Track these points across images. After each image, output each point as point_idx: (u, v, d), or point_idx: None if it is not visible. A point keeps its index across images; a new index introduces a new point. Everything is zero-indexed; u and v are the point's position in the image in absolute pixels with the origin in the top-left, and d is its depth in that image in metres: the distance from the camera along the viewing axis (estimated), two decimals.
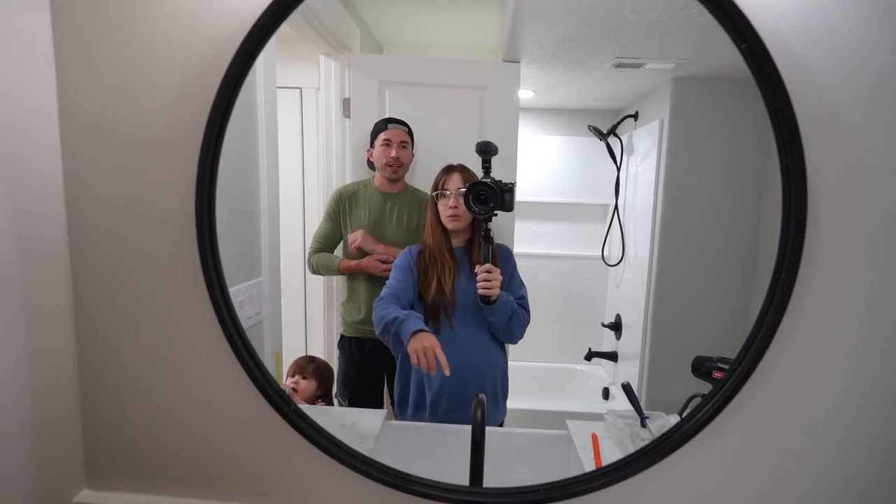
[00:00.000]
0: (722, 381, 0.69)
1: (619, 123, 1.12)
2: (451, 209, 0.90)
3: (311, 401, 0.96)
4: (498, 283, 0.86)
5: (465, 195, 0.84)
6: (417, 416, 0.91)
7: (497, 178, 0.85)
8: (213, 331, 0.75)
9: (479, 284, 0.86)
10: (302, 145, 1.08)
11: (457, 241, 0.93)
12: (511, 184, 0.86)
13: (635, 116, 1.10)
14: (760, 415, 0.71)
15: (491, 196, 0.83)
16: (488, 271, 0.86)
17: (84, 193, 0.79)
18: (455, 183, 0.90)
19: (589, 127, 1.14)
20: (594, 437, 0.79)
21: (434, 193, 0.92)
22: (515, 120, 1.01)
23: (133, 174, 0.77)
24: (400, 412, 0.93)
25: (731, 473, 0.73)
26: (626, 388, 0.83)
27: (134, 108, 0.76)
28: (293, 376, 0.95)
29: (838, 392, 0.71)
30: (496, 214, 0.85)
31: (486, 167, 0.86)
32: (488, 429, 0.71)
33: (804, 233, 0.65)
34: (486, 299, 0.87)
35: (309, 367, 0.97)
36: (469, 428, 0.69)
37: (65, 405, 0.81)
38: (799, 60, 0.66)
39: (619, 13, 0.75)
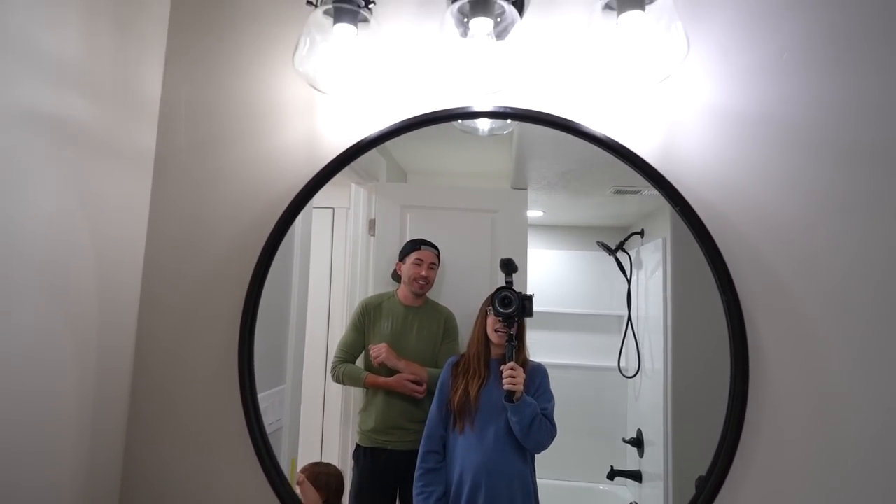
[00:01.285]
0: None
1: (626, 240, 1.19)
2: (498, 325, 1.01)
3: None
4: (521, 381, 0.95)
5: (492, 300, 0.97)
6: None
7: (519, 291, 1.00)
8: (243, 440, 0.82)
9: (504, 381, 0.95)
10: (331, 259, 1.19)
11: (496, 354, 1.02)
12: (530, 294, 1.00)
13: (641, 233, 1.17)
14: None
15: (514, 300, 0.97)
16: (512, 369, 0.94)
17: (155, 312, 0.93)
18: None
19: (597, 243, 1.21)
20: None
21: (487, 309, 1.03)
22: (524, 239, 1.10)
23: (194, 302, 0.90)
24: None
25: None
26: None
27: (200, 252, 0.92)
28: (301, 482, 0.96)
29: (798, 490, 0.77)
30: (517, 320, 0.99)
31: (509, 282, 0.99)
32: None
33: (748, 357, 0.79)
34: (508, 396, 0.94)
35: (322, 477, 0.98)
36: None
37: (108, 485, 0.88)
38: (724, 218, 0.83)
39: (607, 154, 0.85)
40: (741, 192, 0.83)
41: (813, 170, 0.83)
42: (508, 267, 1.00)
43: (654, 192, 1.11)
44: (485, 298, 1.03)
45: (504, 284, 0.99)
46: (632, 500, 0.82)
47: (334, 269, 1.18)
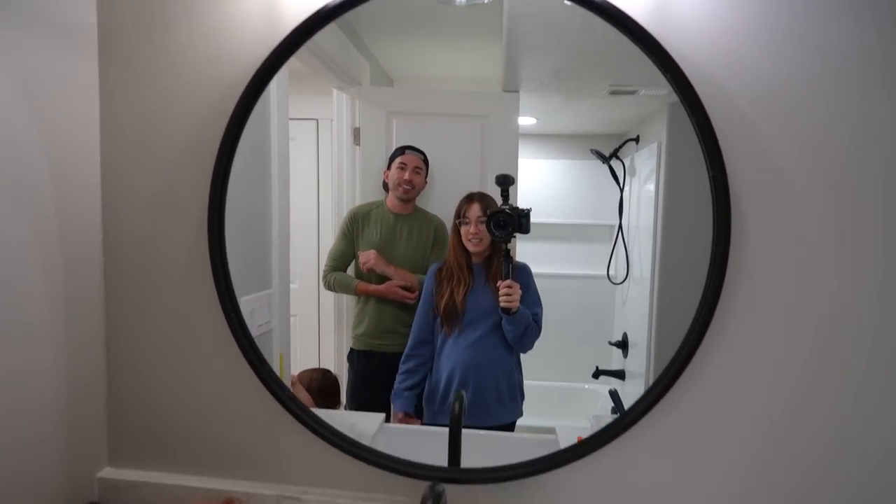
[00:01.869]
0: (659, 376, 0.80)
1: (620, 147, 1.16)
2: (472, 235, 1.01)
3: None
4: (518, 297, 0.97)
5: (487, 222, 0.95)
6: (440, 409, 1.02)
7: (514, 205, 0.97)
8: (223, 333, 0.87)
9: (500, 298, 0.97)
10: (317, 171, 1.17)
11: (476, 259, 1.04)
12: (527, 209, 0.97)
13: (637, 140, 1.13)
14: (689, 407, 0.82)
15: (510, 221, 0.95)
16: (509, 286, 0.96)
17: (116, 207, 0.93)
18: (475, 212, 1.01)
19: (591, 151, 1.18)
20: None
21: (457, 221, 1.02)
22: (516, 145, 1.06)
23: (160, 190, 0.91)
24: (427, 408, 1.04)
25: (664, 456, 0.84)
26: (612, 394, 0.88)
27: (161, 138, 0.89)
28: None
29: (765, 380, 0.81)
30: (515, 237, 0.97)
31: (505, 196, 0.97)
32: (481, 432, 0.76)
33: (729, 236, 0.77)
34: (506, 311, 0.97)
35: (314, 383, 1.03)
36: (469, 433, 0.76)
37: (93, 393, 0.94)
38: (717, 87, 0.78)
39: (605, 44, 0.80)
40: (738, 60, 0.77)
41: (817, 35, 0.77)
42: (505, 182, 0.98)
43: (651, 92, 1.06)
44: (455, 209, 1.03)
45: (501, 202, 0.97)
46: (610, 388, 0.87)
47: (322, 181, 1.16)
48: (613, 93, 1.03)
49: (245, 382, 0.89)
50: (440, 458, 0.83)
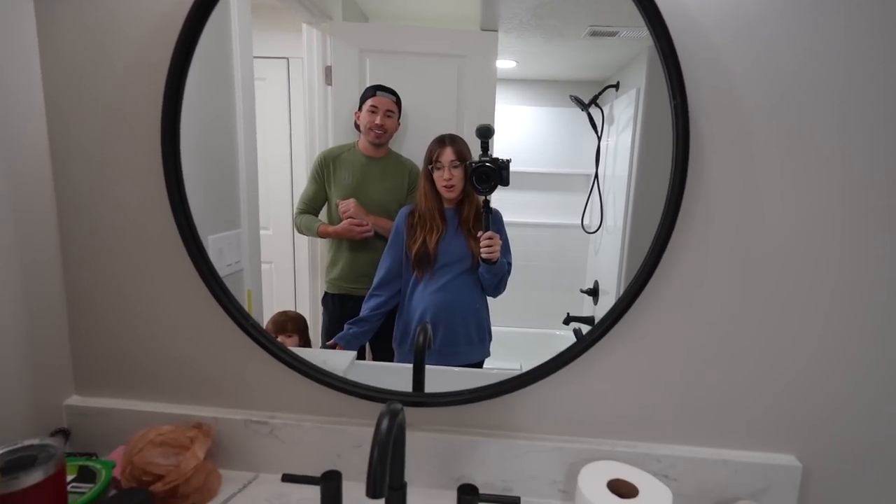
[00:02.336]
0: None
1: (600, 93, 1.14)
2: (445, 181, 1.00)
3: None
4: (499, 248, 0.99)
5: (469, 177, 0.95)
6: (408, 355, 1.02)
7: (494, 156, 0.96)
8: (181, 259, 0.88)
9: (482, 249, 0.98)
10: (289, 112, 1.12)
11: (448, 204, 1.03)
12: (507, 160, 0.96)
13: (616, 86, 1.12)
14: (644, 332, 0.89)
15: (492, 175, 0.95)
16: (490, 238, 0.97)
17: (63, 133, 0.90)
18: (448, 156, 0.99)
19: (571, 97, 1.16)
20: None
21: (429, 167, 1.00)
22: (493, 88, 1.04)
23: (109, 117, 0.88)
24: (398, 350, 1.06)
25: (621, 374, 0.92)
26: (576, 332, 0.93)
27: (107, 56, 0.84)
28: (276, 337, 1.02)
29: (718, 303, 0.87)
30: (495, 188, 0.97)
31: (485, 147, 0.95)
32: (449, 368, 0.89)
33: (687, 164, 0.80)
34: (488, 261, 0.99)
35: (288, 324, 1.04)
36: (434, 368, 0.82)
37: (54, 324, 0.94)
38: (687, 16, 0.79)
39: None
40: None
41: None
42: (486, 133, 0.97)
43: (632, 33, 1.04)
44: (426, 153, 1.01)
45: (481, 154, 0.96)
46: (575, 328, 0.91)
47: (294, 122, 1.12)
48: (594, 34, 1.00)
49: (208, 312, 0.91)
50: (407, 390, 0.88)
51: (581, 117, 1.17)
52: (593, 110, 1.16)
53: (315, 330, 1.12)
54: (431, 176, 1.00)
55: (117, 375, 0.97)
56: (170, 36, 0.80)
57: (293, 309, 1.15)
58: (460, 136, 1.00)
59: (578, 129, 1.19)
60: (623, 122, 1.11)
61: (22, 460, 0.70)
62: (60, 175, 0.91)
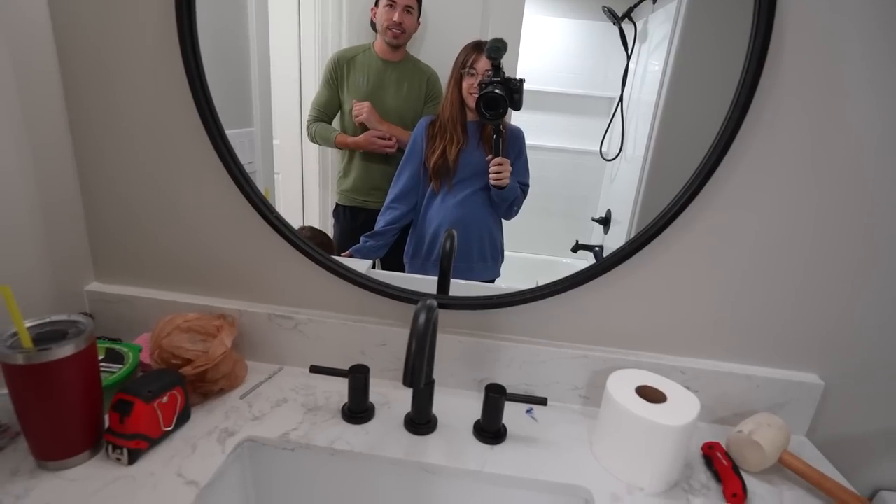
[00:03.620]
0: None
1: (636, 5, 1.05)
2: (475, 89, 0.93)
3: None
4: (508, 174, 0.96)
5: (477, 103, 0.90)
6: (423, 264, 1.04)
7: (507, 76, 0.90)
8: (201, 139, 0.85)
9: (490, 175, 0.95)
10: (298, 13, 1.03)
11: (472, 116, 0.98)
12: (520, 81, 0.90)
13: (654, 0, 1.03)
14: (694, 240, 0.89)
15: (501, 102, 0.90)
16: (500, 164, 0.95)
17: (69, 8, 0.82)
18: (484, 65, 0.93)
19: (603, 9, 1.07)
20: None
21: (461, 71, 0.94)
22: None
23: None
24: (410, 263, 1.05)
25: (650, 288, 0.92)
26: (596, 254, 0.93)
27: None
28: None
29: (772, 218, 0.86)
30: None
31: (496, 67, 0.89)
32: (464, 281, 0.90)
33: (762, 67, 0.75)
34: (497, 187, 0.96)
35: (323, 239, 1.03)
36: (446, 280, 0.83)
37: (69, 209, 0.93)
38: None
39: None
40: None
41: None
42: (497, 51, 0.89)
43: None
44: (459, 58, 0.94)
45: (491, 74, 0.89)
46: (596, 248, 0.91)
47: (303, 19, 1.03)
48: None
49: (231, 203, 0.89)
50: None
51: (611, 33, 1.08)
52: (626, 25, 1.07)
53: None
54: (461, 82, 0.95)
55: (138, 263, 0.97)
56: None
57: (301, 220, 1.13)
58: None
59: (607, 47, 1.11)
60: (657, 39, 1.03)
61: (52, 334, 0.70)
62: (63, 39, 0.84)
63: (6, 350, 0.65)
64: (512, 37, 0.96)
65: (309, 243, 0.89)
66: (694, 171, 0.85)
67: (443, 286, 0.91)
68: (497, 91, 0.89)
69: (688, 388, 0.90)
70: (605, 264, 0.90)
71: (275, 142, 1.02)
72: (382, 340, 0.94)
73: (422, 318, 0.66)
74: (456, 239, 0.88)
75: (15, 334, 0.68)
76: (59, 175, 0.89)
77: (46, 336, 0.70)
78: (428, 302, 0.68)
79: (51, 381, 0.66)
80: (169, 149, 0.88)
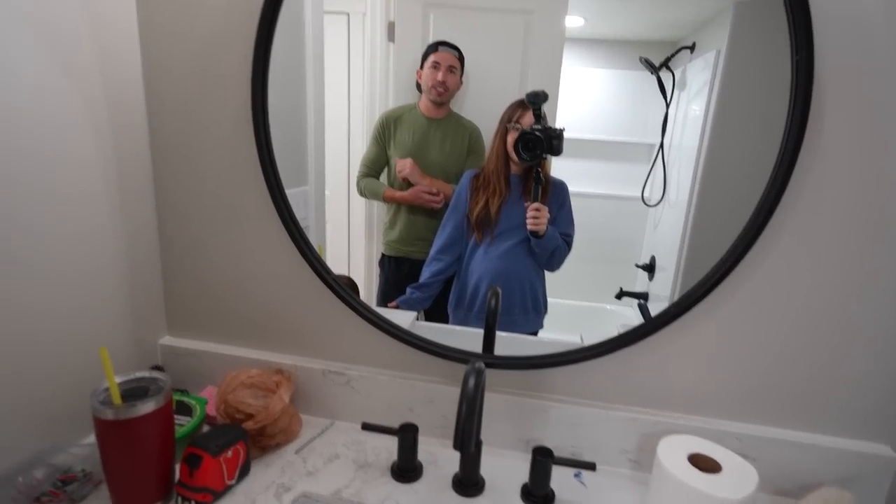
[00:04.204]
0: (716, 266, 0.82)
1: (673, 55, 1.07)
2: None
3: None
4: (545, 221, 0.97)
5: (515, 143, 0.92)
6: (466, 315, 1.04)
7: (547, 125, 0.93)
8: (266, 206, 0.92)
9: (528, 221, 0.96)
10: (348, 70, 1.10)
11: (515, 170, 1.00)
12: (560, 130, 0.93)
13: (692, 48, 1.04)
14: (724, 311, 0.86)
15: (538, 144, 0.92)
16: (537, 209, 0.96)
17: (160, 94, 0.94)
18: (528, 120, 0.96)
19: (641, 59, 1.09)
20: None
21: (507, 125, 0.97)
22: (560, 47, 0.99)
23: (199, 72, 0.90)
24: (453, 314, 1.06)
25: (702, 348, 0.89)
26: (642, 307, 0.90)
27: (199, 11, 0.86)
28: None
29: (824, 278, 0.82)
30: (545, 158, 0.94)
31: (537, 115, 0.92)
32: (509, 334, 0.89)
33: (804, 129, 0.72)
34: (534, 234, 0.97)
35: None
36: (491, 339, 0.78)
37: (149, 268, 1.01)
38: None
39: None
40: None
41: None
42: (537, 99, 0.93)
43: None
44: (505, 113, 0.97)
45: (533, 121, 0.92)
46: (640, 302, 0.88)
47: (352, 81, 1.10)
48: None
49: (290, 264, 0.95)
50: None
51: (649, 82, 1.10)
52: (663, 74, 1.09)
53: (370, 291, 1.13)
54: (506, 136, 0.98)
55: (205, 318, 1.04)
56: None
57: (347, 269, 1.17)
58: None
59: (645, 95, 1.12)
60: (696, 87, 1.04)
61: (136, 390, 0.77)
62: (155, 124, 0.95)
63: (99, 405, 0.71)
64: (551, 89, 0.99)
65: (363, 302, 0.92)
66: (744, 227, 0.82)
67: (488, 344, 0.91)
68: (536, 131, 0.92)
69: (744, 456, 0.82)
70: (655, 324, 0.87)
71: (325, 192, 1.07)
72: (430, 398, 0.94)
73: (471, 381, 0.66)
74: (500, 295, 0.89)
75: (107, 390, 0.74)
76: (144, 242, 0.98)
77: (132, 392, 0.76)
78: (477, 365, 0.68)
79: (134, 435, 0.72)
80: (237, 214, 0.96)
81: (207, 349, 1.03)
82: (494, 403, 0.92)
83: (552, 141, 0.92)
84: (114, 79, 0.87)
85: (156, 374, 0.79)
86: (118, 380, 0.76)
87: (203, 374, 1.02)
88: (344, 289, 0.91)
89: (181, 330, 1.06)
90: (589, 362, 0.90)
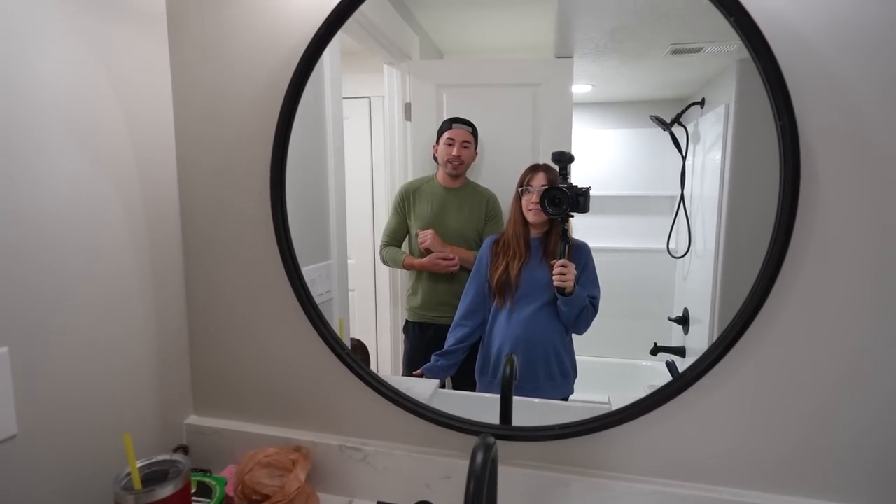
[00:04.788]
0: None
1: (683, 112, 1.09)
2: (533, 204, 1.00)
3: None
4: (572, 278, 0.96)
5: (541, 199, 0.94)
6: (491, 382, 1.03)
7: (572, 183, 0.95)
8: (284, 288, 0.95)
9: (554, 277, 0.96)
10: (371, 148, 1.19)
11: (535, 233, 1.02)
12: (586, 188, 0.94)
13: (702, 103, 1.06)
14: (745, 374, 0.82)
15: (564, 199, 0.93)
16: (563, 266, 0.95)
17: (191, 190, 1.03)
18: (539, 181, 1.00)
19: (651, 117, 1.12)
20: None
21: (519, 189, 1.01)
22: (569, 114, 1.03)
23: (225, 168, 0.99)
24: (479, 380, 1.05)
25: (727, 413, 0.84)
26: (669, 366, 0.87)
27: (225, 116, 0.96)
28: None
29: (827, 346, 0.78)
30: (572, 216, 0.95)
31: (563, 173, 0.95)
32: (533, 400, 0.87)
33: (798, 189, 0.72)
34: (561, 291, 0.97)
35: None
36: (519, 399, 0.83)
37: (178, 351, 1.06)
38: (790, 30, 0.72)
39: (662, 4, 0.75)
40: (822, 5, 0.72)
41: None
42: (562, 159, 0.96)
43: (718, 48, 0.99)
44: (519, 178, 1.01)
45: (559, 180, 0.95)
46: (668, 360, 0.85)
47: (375, 158, 1.18)
48: (676, 52, 0.96)
49: (308, 342, 0.97)
50: (493, 422, 0.87)
51: (663, 137, 1.12)
52: (676, 129, 1.11)
53: (397, 358, 1.14)
54: (521, 199, 1.01)
55: (229, 398, 1.07)
56: (277, 93, 0.90)
57: (374, 335, 1.19)
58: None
59: (661, 150, 1.14)
60: (710, 139, 1.05)
61: (156, 474, 0.79)
62: (186, 214, 1.03)
63: (120, 490, 0.74)
64: (564, 147, 1.03)
65: (377, 376, 0.92)
66: (755, 281, 0.79)
67: (505, 415, 0.89)
68: (563, 187, 0.93)
69: None
70: (673, 388, 0.82)
71: (349, 262, 1.12)
72: (447, 473, 0.91)
73: (479, 457, 0.63)
74: (516, 363, 0.87)
75: (128, 474, 0.76)
76: (173, 326, 1.04)
77: (152, 476, 0.79)
78: (486, 440, 0.66)
79: None
80: (258, 294, 1.01)
81: (230, 427, 1.04)
82: (511, 478, 0.87)
83: (578, 198, 0.94)
84: (149, 176, 0.96)
85: (176, 457, 0.81)
86: (140, 463, 0.78)
87: (226, 451, 1.03)
88: (359, 363, 0.92)
89: (206, 409, 1.08)
90: (608, 431, 0.85)
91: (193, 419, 1.08)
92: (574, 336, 1.04)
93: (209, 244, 1.02)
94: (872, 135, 0.72)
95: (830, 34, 0.72)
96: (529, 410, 0.93)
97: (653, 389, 0.86)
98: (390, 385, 0.92)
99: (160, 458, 0.81)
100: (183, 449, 1.03)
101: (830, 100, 0.73)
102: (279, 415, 1.03)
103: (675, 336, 1.19)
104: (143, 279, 0.95)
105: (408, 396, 0.91)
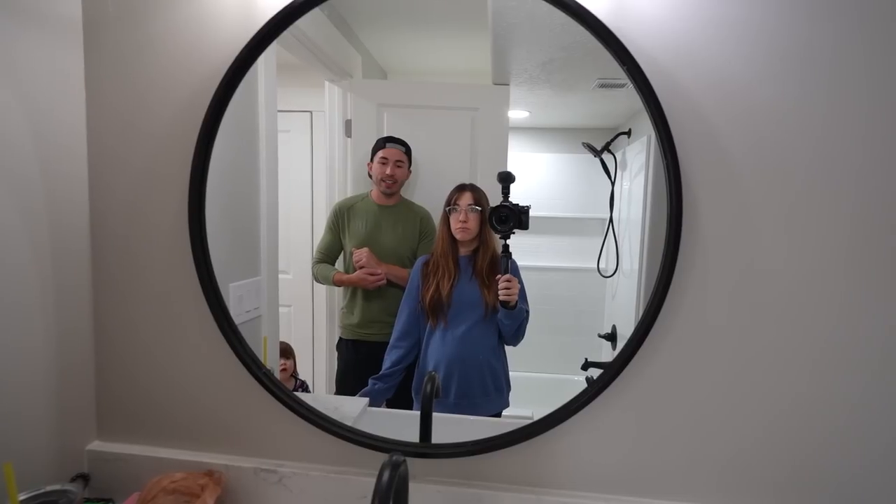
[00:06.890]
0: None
1: (612, 140, 1.16)
2: (460, 223, 1.02)
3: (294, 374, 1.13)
4: (516, 291, 0.99)
5: (489, 216, 0.97)
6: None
7: (514, 202, 0.99)
8: (202, 309, 0.92)
9: (500, 292, 0.99)
10: (312, 163, 1.18)
11: (463, 251, 1.04)
12: (527, 206, 0.98)
13: (628, 133, 1.14)
14: (645, 383, 0.89)
15: (511, 217, 0.97)
16: (509, 280, 0.97)
17: (103, 194, 0.97)
18: (466, 200, 1.02)
19: (583, 144, 1.18)
20: None
21: (447, 209, 1.03)
22: (505, 138, 1.07)
23: (144, 175, 0.95)
24: (416, 398, 1.06)
25: (631, 425, 0.90)
26: (589, 381, 0.92)
27: (143, 129, 0.93)
28: (281, 360, 1.08)
29: (710, 358, 0.86)
30: (514, 232, 0.99)
31: (506, 193, 0.98)
32: (463, 416, 0.91)
33: (682, 217, 0.81)
34: (506, 304, 0.99)
35: (288, 349, 1.09)
36: (446, 416, 0.85)
37: (82, 372, 0.98)
38: (670, 77, 0.82)
39: (588, 38, 0.81)
40: (691, 52, 0.81)
41: (766, 26, 0.79)
42: (506, 179, 0.99)
43: None
44: (446, 197, 1.04)
45: (502, 199, 0.99)
46: (587, 376, 0.90)
47: (316, 172, 1.17)
48: (603, 86, 1.03)
49: (224, 361, 0.93)
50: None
51: (594, 163, 1.18)
52: (606, 156, 1.17)
53: (330, 375, 1.13)
54: (448, 219, 1.03)
55: (137, 421, 1.00)
56: (200, 107, 0.88)
57: (311, 352, 1.17)
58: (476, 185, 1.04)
59: (592, 175, 1.20)
60: (636, 167, 1.12)
61: None
62: (97, 227, 0.97)
63: None
64: (500, 169, 1.07)
65: (293, 394, 0.91)
66: (651, 294, 0.87)
67: (424, 432, 0.90)
68: (508, 205, 0.97)
69: None
70: (578, 403, 0.88)
71: (286, 276, 1.10)
72: (363, 493, 0.89)
73: (385, 475, 0.63)
74: (437, 381, 0.88)
75: None
76: (78, 343, 0.97)
77: None
78: (394, 458, 0.66)
79: None
80: (172, 311, 0.97)
81: (137, 452, 0.98)
82: (427, 495, 0.89)
83: (520, 216, 0.98)
84: (55, 186, 0.90)
85: (68, 487, 0.76)
86: (24, 496, 0.72)
87: (131, 478, 0.95)
88: (274, 381, 0.89)
89: (112, 433, 1.01)
90: (520, 446, 0.88)
91: (96, 444, 1.00)
92: (508, 351, 1.07)
93: (121, 260, 0.97)
94: (743, 171, 0.82)
95: (707, 87, 0.81)
96: (461, 426, 0.95)
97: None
98: (307, 404, 0.90)
99: (49, 488, 0.76)
100: (83, 477, 0.95)
101: (707, 142, 0.82)
102: (192, 438, 0.98)
103: (605, 352, 1.25)
104: (45, 295, 0.88)
105: (322, 414, 0.89)
